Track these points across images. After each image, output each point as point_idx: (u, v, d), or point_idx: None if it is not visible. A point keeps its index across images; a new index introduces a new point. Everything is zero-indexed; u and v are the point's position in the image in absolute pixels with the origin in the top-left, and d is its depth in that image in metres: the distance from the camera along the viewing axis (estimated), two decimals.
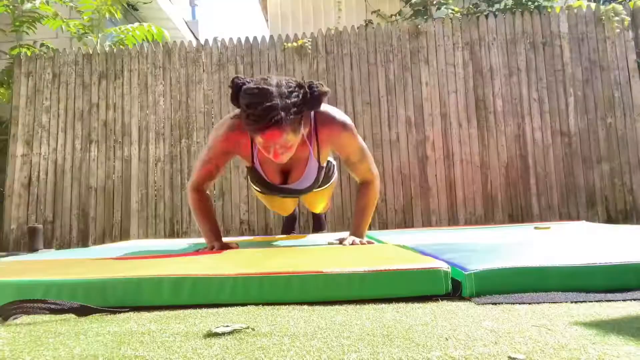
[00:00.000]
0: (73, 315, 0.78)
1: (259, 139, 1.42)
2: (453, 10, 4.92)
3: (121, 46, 4.94)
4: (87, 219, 4.45)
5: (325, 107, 1.60)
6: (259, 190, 2.00)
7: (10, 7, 5.29)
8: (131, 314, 0.80)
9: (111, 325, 0.71)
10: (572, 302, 0.79)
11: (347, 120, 1.69)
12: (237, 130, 1.58)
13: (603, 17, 4.26)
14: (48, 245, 4.32)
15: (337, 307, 0.82)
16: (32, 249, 3.34)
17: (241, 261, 1.13)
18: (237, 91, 1.43)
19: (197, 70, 4.59)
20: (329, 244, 1.72)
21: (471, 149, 4.26)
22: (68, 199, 4.48)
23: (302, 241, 1.91)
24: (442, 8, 5.00)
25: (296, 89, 1.41)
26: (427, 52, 4.40)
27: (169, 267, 0.97)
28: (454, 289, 0.87)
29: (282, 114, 1.34)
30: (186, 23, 8.81)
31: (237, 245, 1.68)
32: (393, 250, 1.22)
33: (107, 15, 5.53)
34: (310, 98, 1.43)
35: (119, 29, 5.50)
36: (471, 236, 1.79)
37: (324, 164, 1.80)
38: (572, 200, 4.14)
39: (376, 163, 4.16)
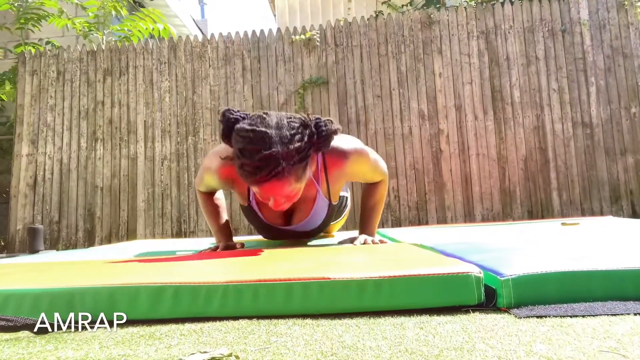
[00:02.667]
0: (28, 333, 0.65)
1: (256, 190, 1.19)
2: None
3: (126, 42, 4.83)
4: (93, 219, 4.36)
5: (334, 140, 1.30)
6: (257, 231, 1.74)
7: (15, 4, 5.22)
8: (99, 331, 0.67)
9: (67, 348, 0.57)
10: (635, 314, 0.64)
11: (359, 145, 1.45)
12: (230, 167, 1.30)
13: (626, 3, 4.05)
14: (53, 246, 4.25)
15: (346, 321, 0.68)
16: (33, 250, 3.25)
17: (235, 265, 0.99)
18: (229, 128, 1.19)
19: (203, 66, 4.47)
20: (340, 243, 1.58)
21: (487, 142, 4.08)
22: (74, 199, 4.40)
23: (312, 241, 1.77)
24: None
25: (300, 129, 1.15)
26: (440, 42, 4.23)
27: (149, 273, 0.84)
28: (487, 297, 0.73)
29: (284, 164, 1.09)
30: (194, 20, 8.71)
31: (242, 245, 1.55)
32: (411, 250, 1.07)
33: (113, 12, 5.45)
34: (317, 140, 1.18)
35: (125, 23, 5.41)
36: (494, 234, 1.63)
37: (336, 202, 1.55)
38: (595, 194, 3.95)
39: (388, 158, 4.03)
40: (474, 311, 0.71)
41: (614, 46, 4.06)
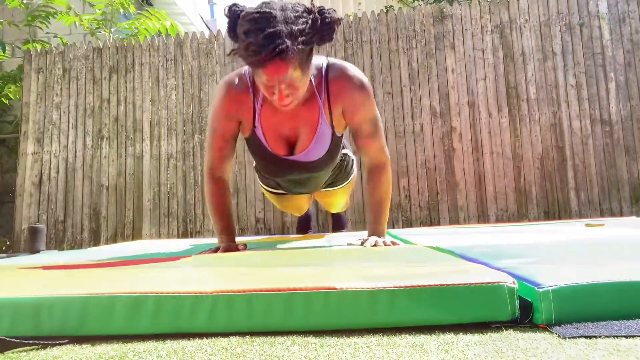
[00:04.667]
0: None
1: (261, 77, 1.20)
2: None
3: (132, 40, 4.77)
4: (98, 218, 4.29)
5: (337, 60, 1.43)
6: (260, 169, 1.75)
7: (25, 2, 5.18)
8: (68, 347, 0.57)
9: None
10: None
11: (364, 78, 1.46)
12: (236, 87, 1.41)
13: None
14: (58, 245, 4.19)
15: (355, 340, 0.57)
16: (33, 250, 3.18)
17: (228, 270, 0.89)
18: (235, 21, 1.20)
19: (210, 62, 4.39)
20: (349, 245, 1.47)
21: (502, 140, 3.95)
22: (79, 198, 4.34)
23: (319, 242, 1.66)
24: None
25: (304, 14, 1.18)
26: (452, 37, 4.10)
27: (127, 281, 0.74)
28: (522, 312, 0.62)
29: (288, 42, 1.12)
30: (202, 18, 8.64)
31: (245, 247, 1.45)
32: (429, 255, 0.96)
33: (121, 9, 5.39)
34: (321, 25, 1.19)
35: (132, 21, 5.35)
36: (516, 235, 1.51)
37: (340, 133, 1.52)
38: (615, 194, 3.80)
39: (399, 156, 3.92)
40: (506, 328, 0.60)
41: (635, 40, 3.91)
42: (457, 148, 3.99)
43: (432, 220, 3.97)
